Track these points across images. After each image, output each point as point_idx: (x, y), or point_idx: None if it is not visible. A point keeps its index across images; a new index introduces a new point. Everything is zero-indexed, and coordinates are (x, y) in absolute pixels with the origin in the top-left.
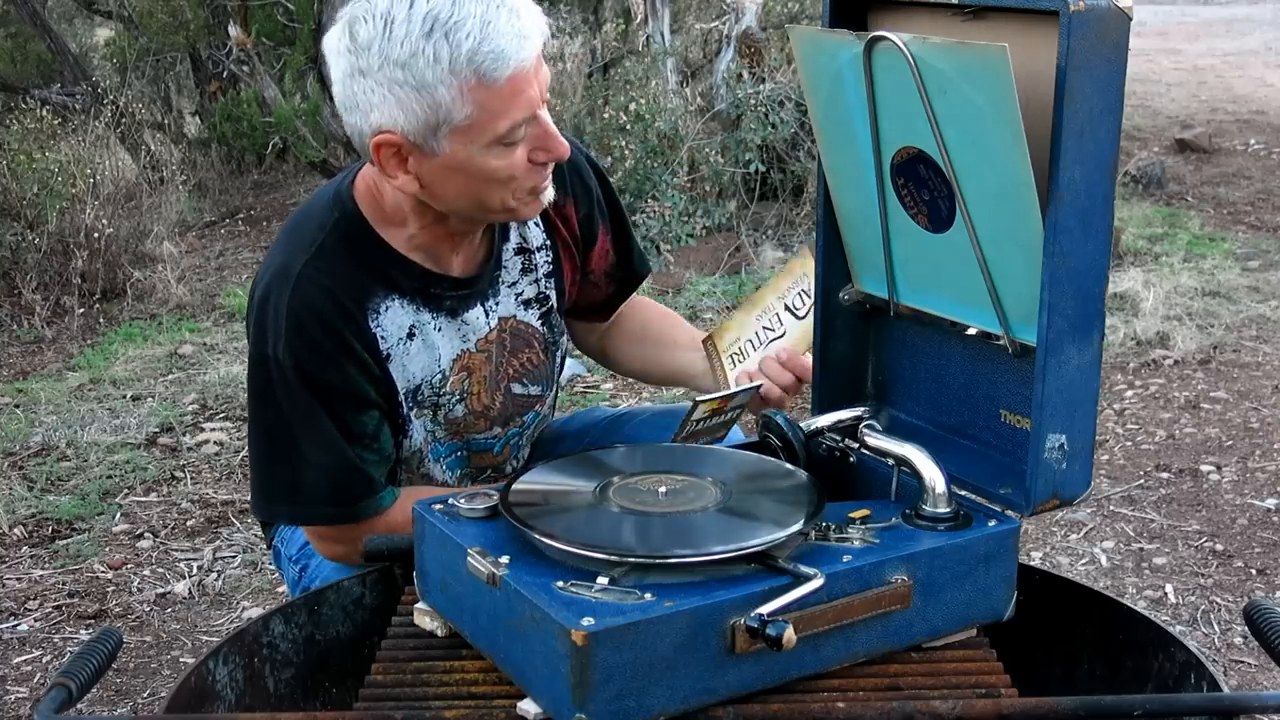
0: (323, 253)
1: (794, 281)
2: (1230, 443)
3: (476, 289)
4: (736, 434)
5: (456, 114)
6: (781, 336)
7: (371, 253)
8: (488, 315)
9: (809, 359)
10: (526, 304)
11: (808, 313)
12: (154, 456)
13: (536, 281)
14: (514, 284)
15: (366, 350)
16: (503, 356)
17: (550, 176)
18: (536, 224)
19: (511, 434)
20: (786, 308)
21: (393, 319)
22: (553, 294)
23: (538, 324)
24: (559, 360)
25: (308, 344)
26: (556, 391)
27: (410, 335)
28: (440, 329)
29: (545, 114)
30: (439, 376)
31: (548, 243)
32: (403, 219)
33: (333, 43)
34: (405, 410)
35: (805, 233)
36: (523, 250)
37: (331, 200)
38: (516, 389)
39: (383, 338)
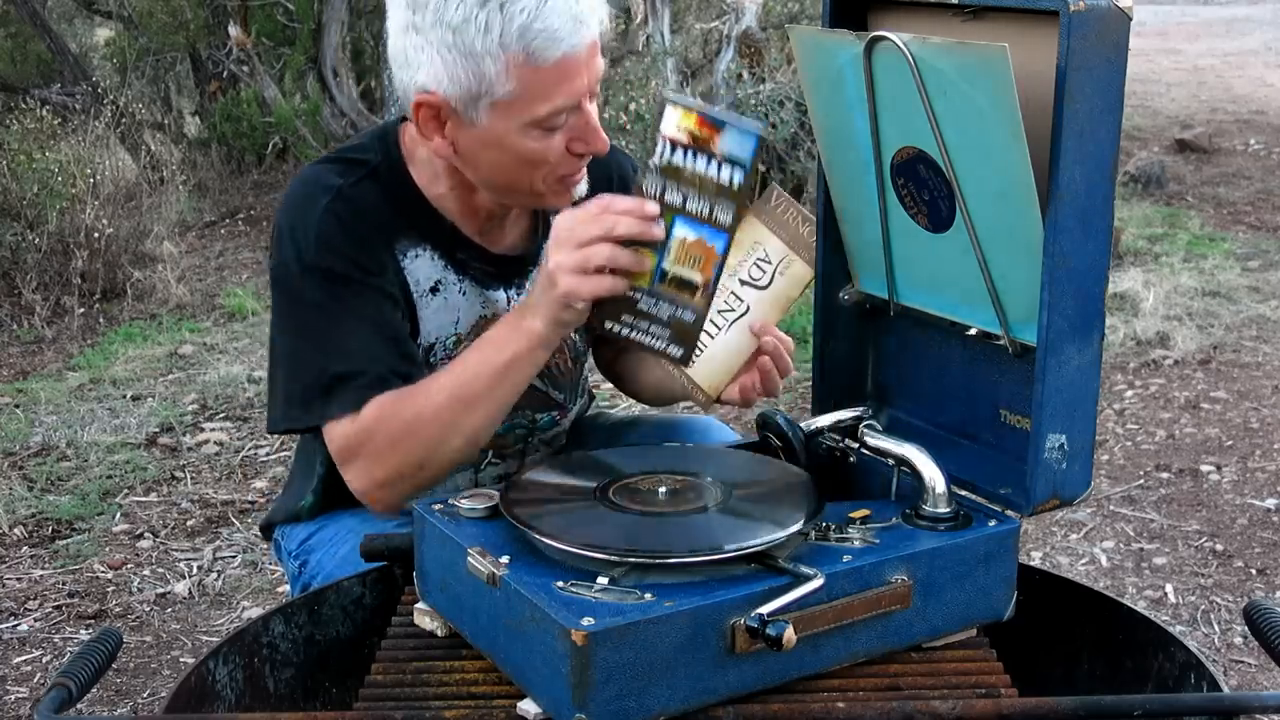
0: (360, 185)
1: (745, 254)
2: (1230, 443)
3: (504, 272)
4: (736, 434)
5: (499, 88)
6: (746, 313)
7: (408, 200)
8: (509, 303)
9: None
10: None
11: (772, 279)
12: (154, 456)
13: None
14: None
15: (396, 275)
16: None
17: (585, 170)
18: None
19: (518, 421)
20: (743, 282)
21: (420, 268)
22: None
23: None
24: (583, 372)
25: (347, 238)
26: (578, 407)
27: (434, 290)
28: (464, 292)
29: (591, 106)
30: (453, 339)
31: None
32: (435, 174)
33: None
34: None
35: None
36: None
37: (376, 142)
38: (537, 384)
39: (409, 279)
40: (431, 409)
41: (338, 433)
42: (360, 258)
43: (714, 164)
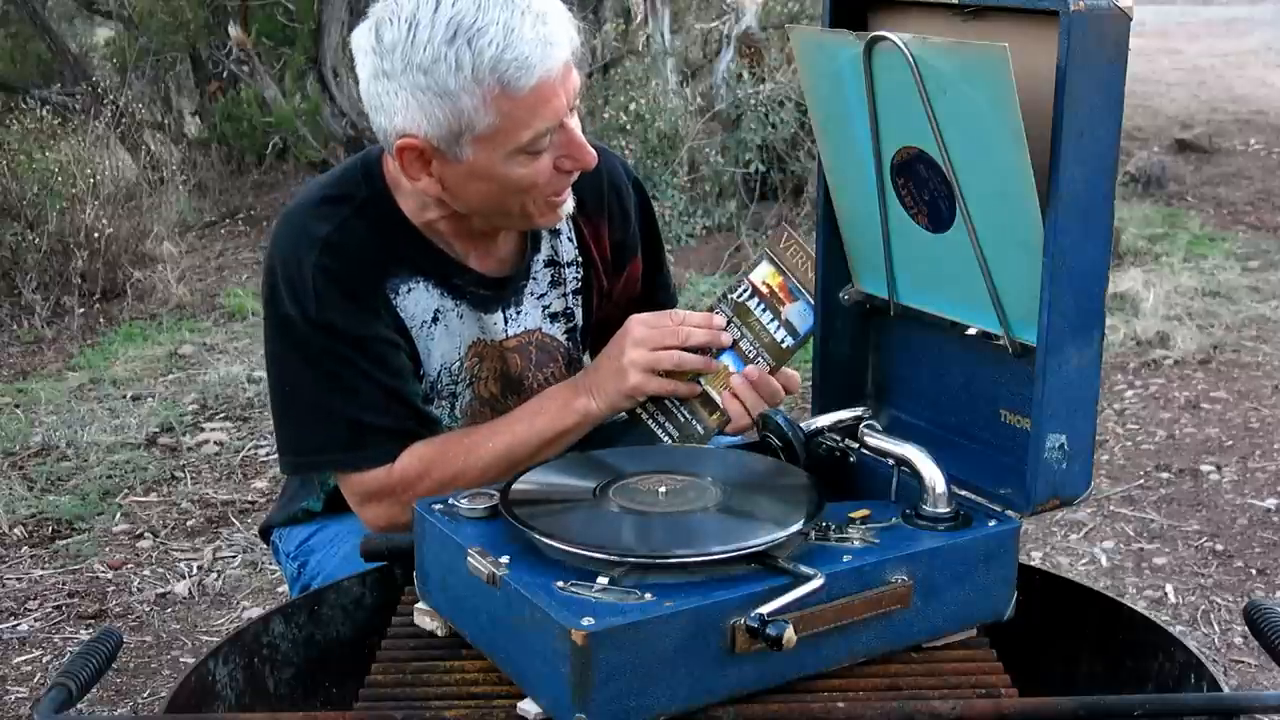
0: (346, 227)
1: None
2: (1230, 443)
3: (499, 294)
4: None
5: (479, 122)
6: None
7: (397, 233)
8: (506, 323)
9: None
10: (553, 317)
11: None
12: (154, 456)
13: (564, 296)
14: (542, 295)
15: (391, 319)
16: (528, 369)
17: (570, 186)
18: (570, 239)
19: None
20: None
21: (415, 301)
22: (578, 311)
23: (563, 338)
24: None
25: (342, 294)
26: None
27: (435, 319)
28: (462, 316)
29: (573, 121)
30: (458, 363)
31: (579, 259)
32: (424, 203)
33: (360, 40)
34: (429, 393)
35: (805, 233)
36: (553, 263)
37: (360, 173)
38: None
39: (404, 316)
40: (477, 469)
41: (369, 478)
42: (358, 310)
43: (776, 322)
